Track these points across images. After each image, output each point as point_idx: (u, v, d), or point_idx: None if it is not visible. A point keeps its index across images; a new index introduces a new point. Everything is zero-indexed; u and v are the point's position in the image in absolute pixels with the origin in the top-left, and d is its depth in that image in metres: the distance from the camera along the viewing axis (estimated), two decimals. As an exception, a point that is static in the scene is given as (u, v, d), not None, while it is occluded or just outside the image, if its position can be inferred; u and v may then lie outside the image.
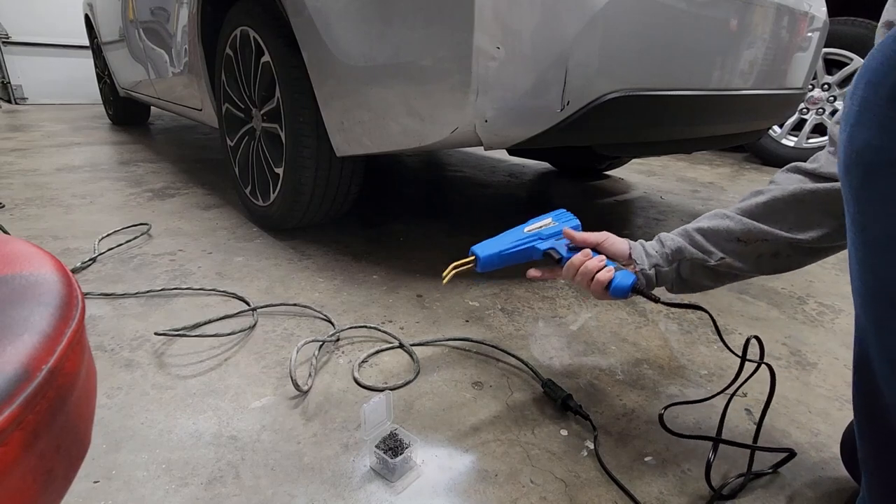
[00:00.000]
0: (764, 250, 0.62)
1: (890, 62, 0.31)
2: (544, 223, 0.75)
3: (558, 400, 0.72)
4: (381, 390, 0.75)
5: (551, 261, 0.73)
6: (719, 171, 2.66)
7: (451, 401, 0.74)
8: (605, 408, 0.74)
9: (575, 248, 0.72)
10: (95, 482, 0.58)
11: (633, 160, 2.76)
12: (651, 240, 0.71)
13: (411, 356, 0.84)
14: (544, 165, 2.57)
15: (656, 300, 0.65)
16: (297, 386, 0.73)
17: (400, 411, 0.72)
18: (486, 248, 0.72)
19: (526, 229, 0.75)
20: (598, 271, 0.67)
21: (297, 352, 0.79)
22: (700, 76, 1.04)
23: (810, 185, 0.58)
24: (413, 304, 1.03)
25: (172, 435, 0.65)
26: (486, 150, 0.95)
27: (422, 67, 0.89)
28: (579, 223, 0.77)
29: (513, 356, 0.85)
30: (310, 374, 0.77)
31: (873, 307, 0.37)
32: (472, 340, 0.89)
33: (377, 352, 0.85)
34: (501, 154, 2.78)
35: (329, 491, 0.58)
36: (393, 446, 0.61)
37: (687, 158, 3.01)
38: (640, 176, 2.44)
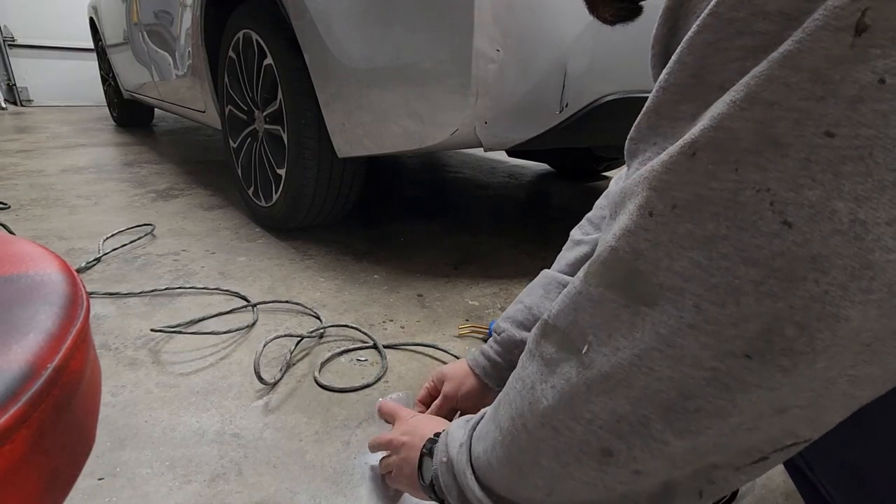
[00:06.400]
0: None
1: None
2: None
3: None
4: (354, 390, 0.76)
5: None
6: (721, 171, 2.65)
7: (451, 400, 0.75)
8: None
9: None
10: (100, 479, 0.59)
11: (635, 160, 2.75)
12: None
13: (382, 357, 0.85)
14: (543, 167, 2.57)
15: None
16: (261, 380, 0.74)
17: (400, 410, 0.72)
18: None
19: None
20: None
21: (264, 345, 0.79)
22: (699, 77, 1.04)
23: None
24: (414, 303, 1.04)
25: (176, 432, 0.66)
26: (485, 151, 0.95)
27: (422, 70, 0.90)
28: None
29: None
30: (280, 369, 0.78)
31: None
32: (438, 348, 0.88)
33: (344, 351, 0.86)
34: (501, 155, 2.79)
35: (331, 488, 0.58)
36: (393, 445, 0.61)
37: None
38: (641, 176, 2.44)
